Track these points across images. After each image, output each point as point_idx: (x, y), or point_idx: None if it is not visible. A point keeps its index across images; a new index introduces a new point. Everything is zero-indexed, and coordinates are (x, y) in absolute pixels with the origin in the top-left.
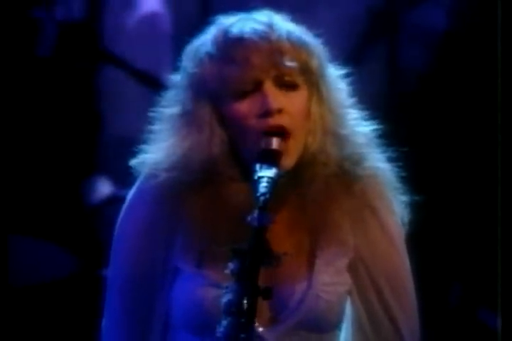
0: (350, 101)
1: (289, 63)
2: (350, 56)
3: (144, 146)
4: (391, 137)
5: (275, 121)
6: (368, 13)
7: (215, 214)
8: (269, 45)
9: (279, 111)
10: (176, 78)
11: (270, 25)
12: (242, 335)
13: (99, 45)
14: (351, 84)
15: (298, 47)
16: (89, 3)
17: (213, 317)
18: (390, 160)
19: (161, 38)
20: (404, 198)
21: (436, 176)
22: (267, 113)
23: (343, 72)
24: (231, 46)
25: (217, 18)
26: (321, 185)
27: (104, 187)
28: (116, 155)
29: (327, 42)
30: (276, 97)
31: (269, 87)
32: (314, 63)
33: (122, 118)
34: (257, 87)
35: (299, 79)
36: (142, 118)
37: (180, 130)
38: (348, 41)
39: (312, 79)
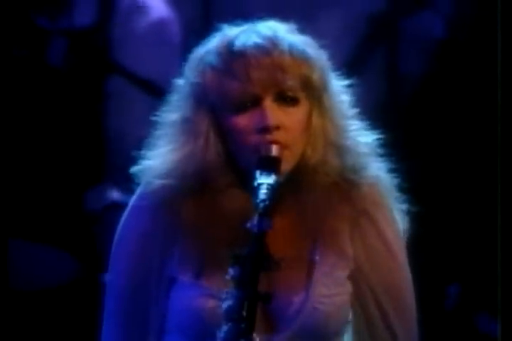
0: (352, 111)
1: (290, 81)
2: (350, 63)
3: (144, 152)
4: (392, 146)
5: (273, 137)
6: (367, 21)
7: (212, 222)
8: (271, 61)
9: (277, 127)
10: (179, 83)
11: (273, 40)
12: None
13: (106, 55)
14: (352, 93)
15: (300, 62)
16: (99, 10)
17: (211, 327)
18: (390, 168)
19: (170, 46)
20: (403, 207)
21: (437, 179)
22: (264, 129)
23: (345, 82)
24: (233, 60)
25: (221, 26)
26: (320, 193)
27: (110, 195)
28: (123, 162)
29: (330, 50)
30: (274, 114)
31: (268, 103)
32: (316, 77)
33: (130, 125)
34: (257, 102)
35: (300, 95)
36: (151, 126)
37: (177, 137)
38: (350, 48)
39: (314, 93)
